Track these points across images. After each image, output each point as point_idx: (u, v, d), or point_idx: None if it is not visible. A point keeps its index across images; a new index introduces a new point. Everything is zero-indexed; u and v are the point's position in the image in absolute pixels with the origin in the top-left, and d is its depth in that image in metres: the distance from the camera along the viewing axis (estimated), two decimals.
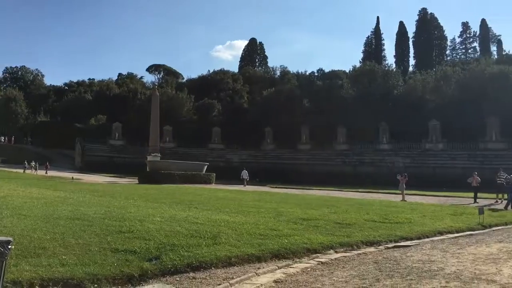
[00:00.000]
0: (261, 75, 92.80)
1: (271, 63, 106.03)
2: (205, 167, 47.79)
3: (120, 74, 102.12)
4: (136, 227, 10.26)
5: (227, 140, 70.85)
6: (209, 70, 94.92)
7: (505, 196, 25.05)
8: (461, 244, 10.38)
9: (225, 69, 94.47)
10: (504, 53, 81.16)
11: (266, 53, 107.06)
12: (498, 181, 25.20)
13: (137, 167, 48.27)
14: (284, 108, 68.53)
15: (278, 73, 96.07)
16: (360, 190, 36.09)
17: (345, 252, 9.29)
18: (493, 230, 13.09)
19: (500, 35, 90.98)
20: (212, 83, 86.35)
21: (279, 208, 16.63)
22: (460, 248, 9.73)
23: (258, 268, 7.65)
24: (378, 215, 15.03)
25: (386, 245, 10.18)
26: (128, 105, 78.21)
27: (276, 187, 39.88)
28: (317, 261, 8.37)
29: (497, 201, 24.48)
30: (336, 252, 9.29)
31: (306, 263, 8.22)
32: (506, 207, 19.75)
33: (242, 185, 40.99)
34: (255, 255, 8.25)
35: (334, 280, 6.95)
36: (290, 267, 7.83)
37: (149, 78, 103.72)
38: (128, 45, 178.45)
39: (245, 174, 44.02)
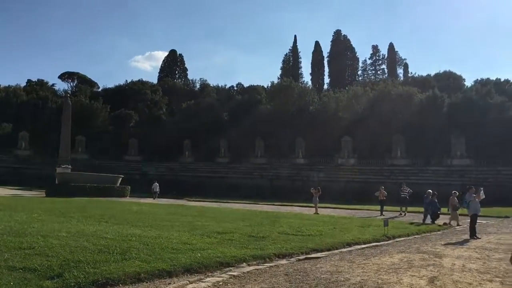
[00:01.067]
0: (180, 87, 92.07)
1: (191, 75, 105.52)
2: (120, 179, 46.15)
3: (29, 81, 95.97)
4: (38, 243, 9.61)
5: (144, 152, 69.15)
6: (126, 80, 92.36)
7: (408, 208, 26.86)
8: (367, 255, 10.89)
9: (144, 79, 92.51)
10: (409, 75, 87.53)
11: (186, 65, 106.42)
12: (401, 195, 26.93)
13: (45, 179, 45.38)
14: (203, 121, 68.39)
15: (198, 85, 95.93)
16: (276, 203, 36.77)
17: (257, 265, 9.36)
18: (397, 241, 13.88)
19: (406, 59, 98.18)
20: (130, 94, 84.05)
21: (194, 222, 16.45)
22: (365, 259, 10.20)
23: (169, 284, 7.48)
24: (291, 227, 15.38)
25: (298, 257, 10.41)
26: (38, 114, 73.76)
27: (193, 200, 39.49)
28: (229, 274, 8.35)
29: (400, 214, 26.06)
30: (248, 265, 9.33)
31: (218, 277, 8.17)
32: (423, 221, 20.68)
33: (152, 198, 40.30)
34: (166, 270, 8.05)
35: None
36: (202, 282, 7.73)
37: (62, 86, 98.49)
38: (40, 51, 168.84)
39: (156, 187, 43.26)
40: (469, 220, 15.58)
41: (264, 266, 9.24)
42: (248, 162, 64.37)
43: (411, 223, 19.64)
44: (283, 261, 9.92)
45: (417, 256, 10.74)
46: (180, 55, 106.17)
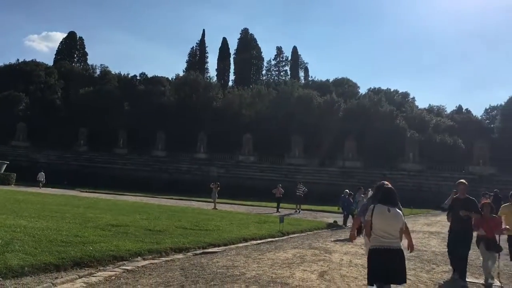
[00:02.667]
0: (79, 72, 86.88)
1: (91, 60, 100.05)
2: (4, 166, 42.57)
3: None
4: None
5: (34, 138, 64.29)
6: (18, 60, 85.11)
7: (302, 206, 27.99)
8: (263, 250, 11.17)
9: (39, 61, 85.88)
10: (310, 79, 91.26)
11: (86, 50, 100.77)
12: (297, 193, 28.02)
13: None
14: (102, 109, 65.34)
15: (98, 72, 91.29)
16: (175, 197, 36.35)
17: (153, 259, 9.16)
18: (291, 237, 14.41)
19: (308, 63, 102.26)
20: (21, 74, 77.53)
21: (87, 214, 15.69)
22: (261, 254, 10.45)
23: (56, 278, 7.03)
24: (189, 222, 15.29)
25: (195, 252, 10.38)
26: None
27: (86, 191, 37.65)
28: (122, 269, 8.07)
29: (296, 211, 27.10)
30: (144, 259, 9.10)
31: (111, 271, 7.86)
32: (344, 224, 20.53)
33: (38, 187, 37.88)
34: (53, 264, 7.56)
35: None
36: (93, 276, 7.38)
37: None
38: None
39: (41, 176, 40.72)
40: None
41: (160, 261, 9.08)
42: (148, 154, 62.84)
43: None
44: (180, 256, 9.82)
45: (309, 251, 11.23)
46: (81, 38, 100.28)
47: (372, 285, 5.85)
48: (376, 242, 5.72)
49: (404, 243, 5.97)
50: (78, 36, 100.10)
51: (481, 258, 9.05)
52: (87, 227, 12.12)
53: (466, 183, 9.07)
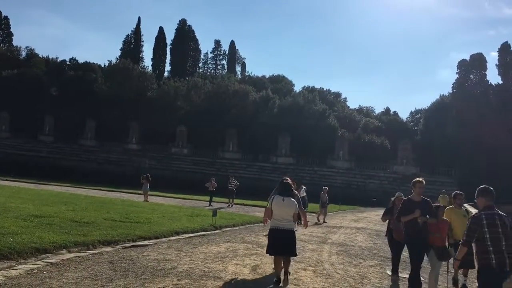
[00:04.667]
0: (2, 53, 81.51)
1: (17, 42, 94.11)
2: None
3: None
4: None
5: None
6: None
7: (234, 200, 28.06)
8: (195, 243, 11.03)
9: None
10: (247, 74, 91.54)
11: (11, 30, 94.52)
12: (229, 187, 28.05)
13: None
14: (26, 93, 61.74)
15: (23, 54, 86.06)
16: (104, 188, 35.13)
17: (79, 252, 8.75)
18: (223, 231, 14.36)
19: (245, 58, 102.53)
20: None
21: (7, 203, 14.74)
22: (193, 248, 10.32)
23: None
24: (119, 214, 14.80)
25: (124, 245, 10.04)
26: None
27: (6, 180, 35.43)
28: (46, 262, 7.63)
29: (228, 205, 27.12)
30: (69, 252, 8.67)
31: (33, 264, 7.41)
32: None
33: None
34: None
35: (63, 282, 6.43)
36: (13, 269, 6.92)
37: None
38: None
39: None
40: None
41: (87, 254, 8.69)
42: (76, 143, 60.29)
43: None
44: (108, 249, 9.46)
45: (242, 245, 11.25)
46: (6, 17, 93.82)
47: (271, 255, 7.69)
48: (274, 223, 7.55)
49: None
50: (3, 15, 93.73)
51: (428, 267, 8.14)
52: (7, 217, 11.37)
53: (424, 182, 7.76)
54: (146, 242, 10.58)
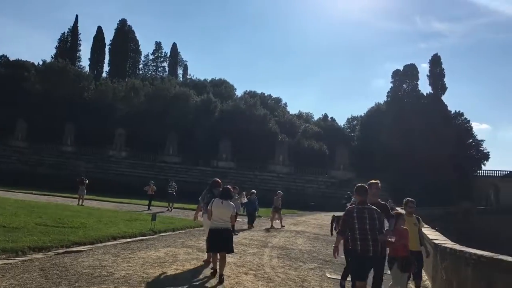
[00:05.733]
0: None
1: None
2: None
3: None
4: None
5: None
6: None
7: (174, 204, 27.61)
8: (133, 249, 10.71)
9: None
10: (189, 77, 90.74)
11: None
12: (169, 191, 27.57)
13: None
14: None
15: None
16: (36, 192, 33.39)
17: (7, 259, 8.24)
18: (163, 235, 14.05)
19: (187, 61, 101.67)
20: None
21: None
22: (131, 253, 10.01)
23: None
24: (52, 219, 14.12)
25: (57, 251, 9.58)
26: None
27: None
28: None
29: (168, 209, 26.62)
30: None
31: None
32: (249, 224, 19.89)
33: None
34: None
35: None
36: None
37: None
38: None
39: None
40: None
41: (16, 261, 8.20)
42: (5, 144, 56.99)
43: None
44: (39, 255, 8.99)
45: (182, 250, 11.05)
46: None
47: (212, 252, 8.59)
48: (214, 224, 8.29)
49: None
50: None
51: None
52: None
53: (380, 184, 7.39)
54: (80, 248, 10.15)
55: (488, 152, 64.58)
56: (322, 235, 17.58)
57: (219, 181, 9.91)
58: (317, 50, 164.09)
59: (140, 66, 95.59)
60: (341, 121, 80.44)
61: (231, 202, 8.59)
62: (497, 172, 63.65)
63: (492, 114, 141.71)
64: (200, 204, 10.33)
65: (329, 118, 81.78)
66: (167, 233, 14.68)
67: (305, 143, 60.27)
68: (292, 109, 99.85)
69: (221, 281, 7.78)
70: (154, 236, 13.67)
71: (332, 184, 52.80)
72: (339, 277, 9.53)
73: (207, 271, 8.62)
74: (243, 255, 11.08)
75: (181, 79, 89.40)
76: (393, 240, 6.76)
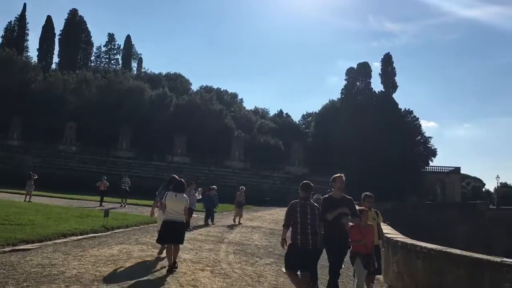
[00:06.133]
0: None
1: None
2: None
3: None
4: None
5: None
6: None
7: (127, 200, 27.04)
8: (84, 246, 10.37)
9: None
10: (143, 70, 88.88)
11: None
12: (122, 187, 26.97)
13: None
14: None
15: None
16: None
17: None
18: (116, 232, 13.70)
19: (141, 54, 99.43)
20: None
21: None
22: (83, 251, 9.68)
23: None
24: None
25: (3, 249, 9.12)
26: None
27: None
28: None
29: (121, 205, 26.03)
30: None
31: None
32: (206, 221, 19.36)
33: None
34: None
35: None
36: None
37: None
38: None
39: None
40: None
41: None
42: None
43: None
44: None
45: (136, 247, 10.81)
46: None
47: (162, 243, 9.00)
48: (167, 216, 8.52)
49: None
50: None
51: (354, 278, 7.58)
52: None
53: (344, 177, 7.29)
54: (28, 246, 9.72)
55: (435, 149, 67.13)
56: (278, 230, 17.68)
57: (177, 177, 9.98)
58: (273, 46, 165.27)
59: (92, 58, 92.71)
60: (296, 118, 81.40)
61: (184, 195, 8.86)
62: (443, 168, 66.38)
63: (439, 113, 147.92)
64: (156, 199, 10.56)
65: (284, 114, 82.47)
66: (121, 230, 14.33)
67: (261, 139, 60.50)
68: (248, 105, 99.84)
69: (175, 267, 8.28)
70: (106, 233, 13.30)
71: (287, 180, 53.28)
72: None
73: (163, 263, 8.51)
74: (199, 252, 10.97)
75: (135, 72, 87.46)
76: (355, 223, 7.00)
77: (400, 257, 8.52)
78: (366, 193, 8.48)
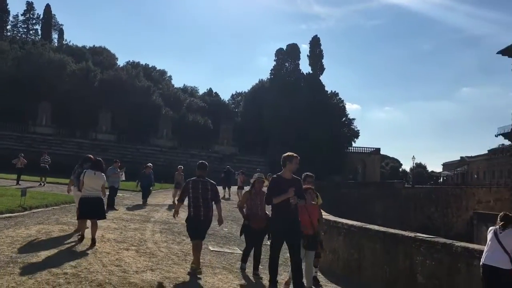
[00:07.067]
0: None
1: None
2: None
3: None
4: None
5: None
6: None
7: (47, 179, 25.76)
8: None
9: None
10: (65, 42, 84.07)
11: None
12: (41, 164, 25.60)
13: None
14: None
15: None
16: None
17: None
18: (34, 212, 13.02)
19: (63, 25, 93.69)
20: None
21: None
22: None
23: None
24: None
25: None
26: None
27: None
28: None
29: (40, 184, 24.76)
30: None
31: None
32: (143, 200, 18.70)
33: None
34: None
35: None
36: None
37: None
38: None
39: None
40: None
41: None
42: None
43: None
44: None
45: (56, 227, 10.36)
46: None
47: (81, 219, 9.05)
48: (85, 193, 8.83)
49: None
50: None
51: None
52: None
53: (298, 157, 6.88)
54: None
55: (358, 130, 70.32)
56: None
57: (92, 157, 10.35)
58: (203, 25, 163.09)
59: (8, 27, 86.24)
60: (226, 97, 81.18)
61: (102, 174, 9.23)
62: (365, 148, 69.70)
63: (362, 96, 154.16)
64: (72, 178, 10.83)
65: (214, 93, 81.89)
66: (39, 210, 13.63)
67: (189, 117, 59.87)
68: (177, 83, 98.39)
69: (93, 243, 8.38)
70: (24, 212, 12.59)
71: (216, 159, 53.31)
72: (222, 250, 9.77)
73: (84, 243, 8.24)
74: (124, 231, 10.73)
75: (56, 44, 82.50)
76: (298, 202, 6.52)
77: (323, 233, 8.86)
78: (307, 173, 8.20)
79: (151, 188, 19.66)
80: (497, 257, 5.16)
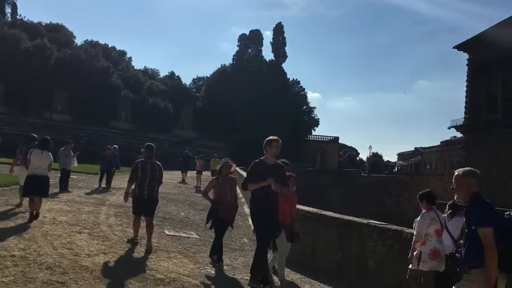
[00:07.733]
0: None
1: None
2: None
3: None
4: None
5: None
6: None
7: None
8: None
9: None
10: (19, 17, 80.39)
11: None
12: None
13: None
14: None
15: None
16: None
17: None
18: None
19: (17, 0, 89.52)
20: None
21: None
22: None
23: None
24: None
25: None
26: None
27: None
28: None
29: None
30: None
31: None
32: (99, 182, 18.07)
33: None
34: None
35: None
36: None
37: None
38: None
39: None
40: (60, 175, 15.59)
41: None
42: None
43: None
44: None
45: (5, 208, 9.99)
46: None
47: (27, 196, 9.20)
48: (32, 171, 9.06)
49: None
50: None
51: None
52: None
53: (280, 141, 6.33)
54: None
55: (318, 119, 71.20)
56: (163, 193, 17.49)
57: (36, 136, 10.89)
58: (166, 7, 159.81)
59: None
60: (188, 81, 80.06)
61: (49, 153, 9.38)
62: (324, 137, 70.73)
63: (323, 85, 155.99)
64: (17, 157, 11.00)
65: (175, 77, 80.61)
66: None
67: (149, 100, 58.78)
68: (138, 65, 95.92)
69: (36, 217, 8.80)
70: None
71: (176, 143, 52.82)
72: (178, 234, 9.72)
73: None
74: (77, 214, 10.47)
75: (9, 18, 78.78)
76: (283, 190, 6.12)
77: None
78: (284, 160, 7.18)
79: (112, 171, 19.01)
80: (445, 244, 5.37)
